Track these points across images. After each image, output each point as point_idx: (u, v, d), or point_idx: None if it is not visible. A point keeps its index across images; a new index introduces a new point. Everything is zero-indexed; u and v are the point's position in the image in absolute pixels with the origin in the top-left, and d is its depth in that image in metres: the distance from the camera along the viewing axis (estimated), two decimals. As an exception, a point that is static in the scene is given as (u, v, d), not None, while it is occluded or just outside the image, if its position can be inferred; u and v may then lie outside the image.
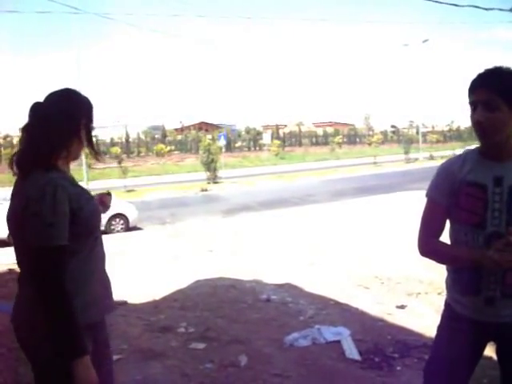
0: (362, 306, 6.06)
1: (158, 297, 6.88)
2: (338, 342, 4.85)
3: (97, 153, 2.31)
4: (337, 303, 6.26)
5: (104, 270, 2.25)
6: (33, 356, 2.03)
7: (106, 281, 2.24)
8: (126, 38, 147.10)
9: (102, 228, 14.52)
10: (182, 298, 6.74)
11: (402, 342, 4.87)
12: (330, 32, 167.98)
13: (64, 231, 1.94)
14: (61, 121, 2.09)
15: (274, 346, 4.83)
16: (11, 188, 2.14)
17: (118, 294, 6.77)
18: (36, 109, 2.11)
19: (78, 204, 2.02)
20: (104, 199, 2.59)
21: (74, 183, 2.13)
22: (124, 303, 6.50)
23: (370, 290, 6.82)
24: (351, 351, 4.59)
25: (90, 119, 2.20)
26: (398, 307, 6.04)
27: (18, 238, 2.05)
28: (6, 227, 2.10)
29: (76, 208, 2.00)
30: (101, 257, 2.21)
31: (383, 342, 4.85)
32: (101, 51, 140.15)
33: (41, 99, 2.16)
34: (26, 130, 2.11)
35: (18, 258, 2.10)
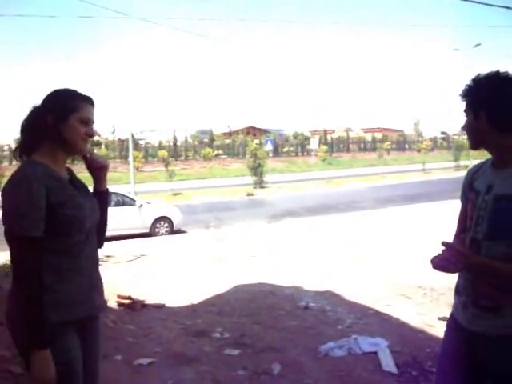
0: (402, 317, 5.90)
1: (196, 301, 6.89)
2: (375, 353, 4.71)
3: (70, 152, 2.24)
4: (376, 312, 6.11)
5: (93, 270, 2.25)
6: (16, 345, 2.10)
7: (94, 281, 2.24)
8: (170, 43, 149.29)
9: (147, 230, 14.76)
10: (220, 303, 6.73)
11: (443, 355, 4.70)
12: (379, 37, 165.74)
13: (36, 223, 1.96)
14: (32, 117, 2.16)
15: (308, 355, 4.74)
16: None
17: (156, 297, 6.88)
18: (30, 111, 2.20)
19: (57, 199, 2.03)
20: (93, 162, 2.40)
21: (57, 178, 2.12)
22: (162, 306, 6.54)
23: (412, 300, 6.64)
24: (388, 363, 4.45)
25: (59, 116, 2.13)
26: (440, 319, 5.82)
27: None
28: None
29: (54, 203, 2.02)
30: (90, 258, 2.20)
31: (422, 355, 4.68)
32: (146, 55, 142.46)
33: None
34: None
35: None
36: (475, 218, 2.16)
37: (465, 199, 2.32)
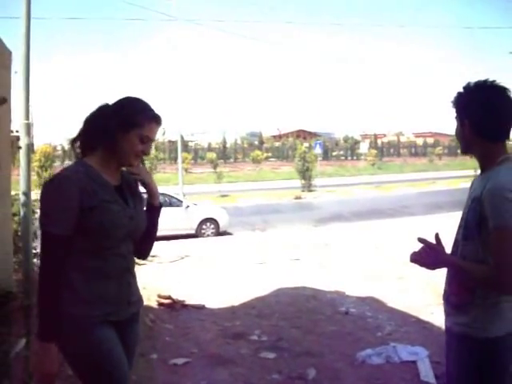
0: (444, 326, 5.72)
1: (236, 303, 6.90)
2: (414, 362, 4.58)
3: (119, 163, 2.25)
4: (418, 320, 5.97)
5: (124, 275, 2.22)
6: None
7: (124, 284, 2.21)
8: (219, 45, 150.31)
9: (193, 231, 14.92)
10: (260, 306, 6.72)
11: (485, 367, 4.53)
12: (431, 38, 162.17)
13: (59, 222, 1.99)
14: (99, 123, 2.15)
15: (345, 362, 4.67)
16: None
17: (197, 298, 6.93)
18: (98, 107, 2.22)
19: (90, 203, 2.03)
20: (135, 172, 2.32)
21: (102, 182, 2.13)
22: (202, 307, 6.58)
23: (457, 310, 6.44)
24: (427, 374, 4.32)
25: (120, 125, 2.14)
26: (485, 330, 5.64)
27: None
28: None
29: (86, 206, 2.02)
30: (120, 263, 2.19)
31: (463, 367, 4.54)
32: (196, 58, 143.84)
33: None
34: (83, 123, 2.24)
35: None
36: (460, 220, 2.27)
37: None
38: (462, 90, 2.21)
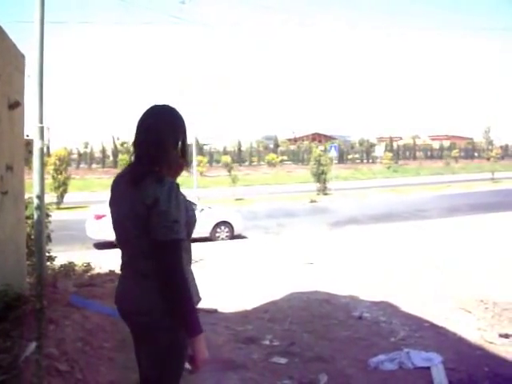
0: (460, 331, 5.64)
1: (249, 307, 6.86)
2: (428, 368, 4.50)
3: (187, 165, 2.57)
4: (433, 326, 5.88)
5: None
6: (155, 338, 2.31)
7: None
8: (230, 48, 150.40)
9: (207, 235, 14.94)
10: (272, 310, 6.67)
11: (501, 375, 4.42)
12: (452, 39, 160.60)
13: (184, 228, 2.26)
14: (168, 136, 2.35)
15: (357, 367, 4.61)
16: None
17: (210, 302, 6.90)
18: (145, 123, 2.37)
19: (185, 206, 2.33)
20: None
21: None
22: (214, 311, 6.55)
23: (473, 315, 6.34)
24: (440, 380, 4.24)
25: (186, 134, 2.45)
26: (501, 336, 5.53)
27: (135, 235, 2.28)
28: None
29: (185, 209, 2.32)
30: (190, 258, 2.53)
31: (478, 374, 4.44)
32: (208, 61, 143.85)
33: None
34: (137, 145, 2.38)
35: (131, 255, 2.37)
36: None
37: None
38: None
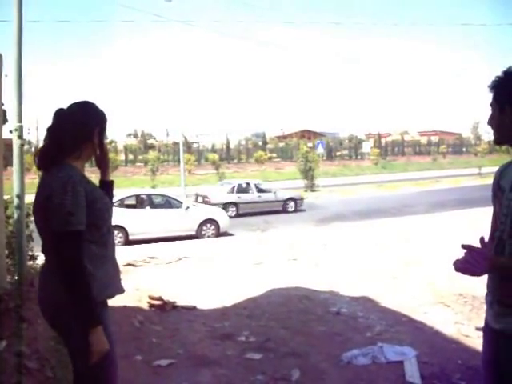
0: (437, 325, 5.65)
1: (228, 303, 6.84)
2: (401, 362, 4.52)
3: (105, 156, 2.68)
4: (410, 320, 5.90)
5: (114, 257, 2.52)
6: (63, 329, 2.38)
7: (116, 266, 2.54)
8: (217, 47, 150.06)
9: (193, 233, 14.90)
10: (251, 306, 6.66)
11: (474, 368, 4.42)
12: (438, 36, 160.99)
13: (82, 219, 2.25)
14: (75, 127, 2.42)
15: (330, 362, 4.61)
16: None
17: (190, 299, 6.88)
18: (59, 114, 2.48)
19: (92, 197, 2.33)
20: None
21: (87, 180, 2.43)
22: (193, 308, 6.53)
23: (451, 309, 6.36)
24: (412, 374, 4.25)
25: (102, 128, 2.54)
26: (478, 329, 5.51)
27: (43, 227, 2.35)
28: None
29: (90, 201, 2.31)
30: (112, 244, 2.50)
31: (451, 367, 4.46)
32: (198, 60, 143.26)
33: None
34: (48, 131, 2.48)
35: (43, 247, 2.42)
36: (500, 216, 2.11)
37: (494, 199, 2.22)
38: (503, 74, 2.08)
